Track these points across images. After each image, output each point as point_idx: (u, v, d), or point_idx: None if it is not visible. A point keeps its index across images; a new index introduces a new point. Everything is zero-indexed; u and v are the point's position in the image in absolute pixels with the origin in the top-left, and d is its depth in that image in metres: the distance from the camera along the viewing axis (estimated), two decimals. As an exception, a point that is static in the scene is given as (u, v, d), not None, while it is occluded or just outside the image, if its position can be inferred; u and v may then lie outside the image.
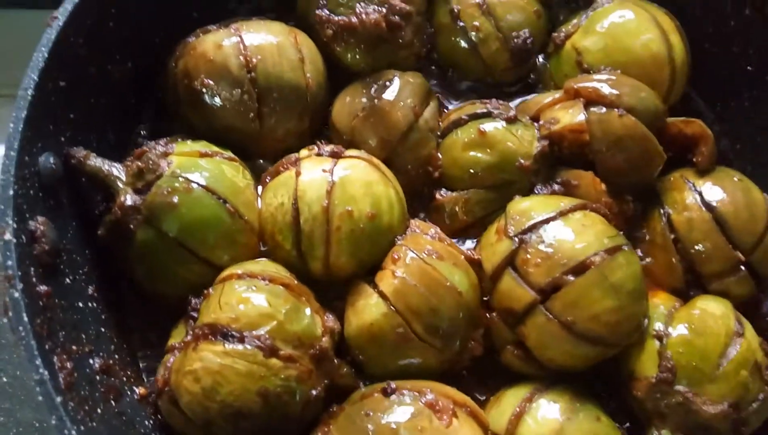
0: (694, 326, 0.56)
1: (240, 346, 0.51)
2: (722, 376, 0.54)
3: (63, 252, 0.53)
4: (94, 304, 0.56)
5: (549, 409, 0.55)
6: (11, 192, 0.47)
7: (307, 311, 0.54)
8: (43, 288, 0.48)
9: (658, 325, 0.57)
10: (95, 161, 0.56)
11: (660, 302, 0.59)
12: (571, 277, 0.54)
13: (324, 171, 0.58)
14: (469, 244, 0.64)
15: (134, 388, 0.56)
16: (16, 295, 0.44)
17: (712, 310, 0.57)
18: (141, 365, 0.58)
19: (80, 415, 0.45)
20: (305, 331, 0.53)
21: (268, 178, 0.62)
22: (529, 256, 0.56)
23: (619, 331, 0.56)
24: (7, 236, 0.46)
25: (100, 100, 0.60)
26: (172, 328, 0.57)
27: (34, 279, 0.47)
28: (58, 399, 0.43)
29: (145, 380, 0.57)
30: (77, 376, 0.48)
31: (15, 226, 0.46)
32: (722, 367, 0.55)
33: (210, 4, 0.68)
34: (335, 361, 0.55)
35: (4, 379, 0.73)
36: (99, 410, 0.49)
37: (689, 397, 0.54)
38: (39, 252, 0.49)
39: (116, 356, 0.56)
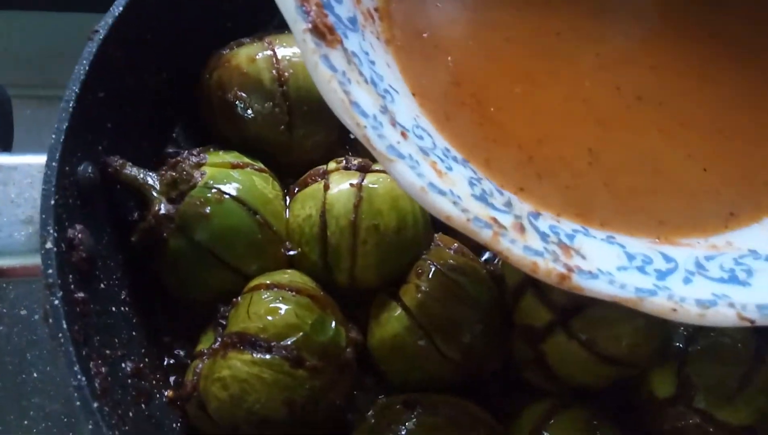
0: (715, 348, 0.57)
1: (267, 356, 0.52)
2: (741, 400, 0.55)
3: (98, 258, 0.54)
4: (126, 309, 0.58)
5: (567, 426, 0.55)
6: (52, 201, 0.49)
7: (332, 323, 0.56)
8: (80, 295, 0.50)
9: (678, 345, 0.58)
10: (131, 170, 0.58)
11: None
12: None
13: (352, 185, 0.59)
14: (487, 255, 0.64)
15: (163, 391, 0.57)
16: (56, 302, 0.46)
17: (732, 333, 0.58)
18: (169, 369, 0.60)
19: (114, 420, 0.47)
20: (330, 343, 0.54)
21: (297, 188, 0.63)
22: (551, 274, 0.57)
23: (639, 353, 0.56)
24: (49, 245, 0.47)
25: (135, 110, 0.62)
26: (200, 333, 0.59)
27: (72, 286, 0.49)
28: (95, 404, 0.44)
29: (173, 383, 0.59)
30: (111, 381, 0.49)
31: (56, 234, 0.48)
32: (742, 391, 0.55)
33: (243, 16, 0.69)
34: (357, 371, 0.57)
35: (35, 375, 0.76)
36: (131, 414, 0.50)
37: (707, 419, 0.55)
38: (77, 259, 0.50)
39: (146, 360, 0.57)
